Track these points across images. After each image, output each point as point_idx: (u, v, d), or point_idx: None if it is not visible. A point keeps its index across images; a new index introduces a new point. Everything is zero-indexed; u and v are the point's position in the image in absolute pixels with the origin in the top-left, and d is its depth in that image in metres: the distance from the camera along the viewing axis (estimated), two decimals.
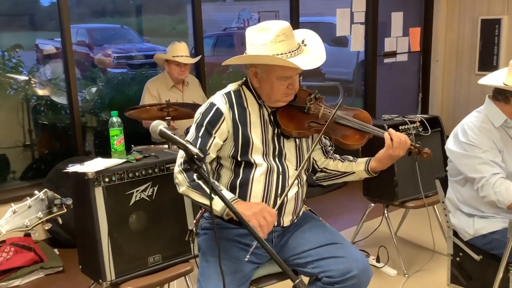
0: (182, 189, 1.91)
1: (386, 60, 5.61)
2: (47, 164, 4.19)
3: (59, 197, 1.48)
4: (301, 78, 3.31)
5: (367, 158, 2.10)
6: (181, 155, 1.91)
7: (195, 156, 1.44)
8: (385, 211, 3.30)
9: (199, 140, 1.91)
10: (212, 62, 6.24)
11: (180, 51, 3.76)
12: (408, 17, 5.64)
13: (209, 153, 1.92)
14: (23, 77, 4.39)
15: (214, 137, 1.92)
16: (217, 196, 1.71)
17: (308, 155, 2.04)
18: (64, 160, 3.80)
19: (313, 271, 1.98)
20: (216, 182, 1.95)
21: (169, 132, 1.54)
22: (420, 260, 3.36)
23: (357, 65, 7.55)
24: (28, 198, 1.45)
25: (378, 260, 3.27)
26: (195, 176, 1.84)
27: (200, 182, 1.85)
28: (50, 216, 1.47)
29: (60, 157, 4.01)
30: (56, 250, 3.53)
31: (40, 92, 4.48)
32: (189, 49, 3.89)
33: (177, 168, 1.91)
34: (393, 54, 5.59)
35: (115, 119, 2.41)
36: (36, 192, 1.47)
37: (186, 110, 3.35)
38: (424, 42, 5.90)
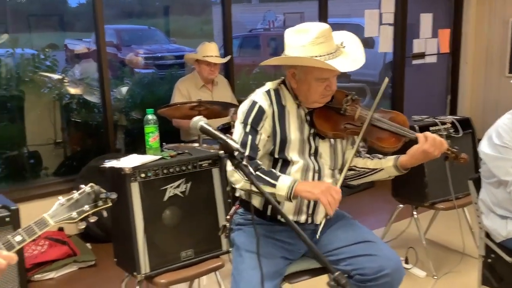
0: (239, 185, 1.91)
1: (415, 62, 5.57)
2: (79, 161, 4.30)
3: (105, 191, 1.52)
4: None
5: (396, 155, 2.08)
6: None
7: (236, 151, 1.47)
8: (415, 213, 3.29)
9: (249, 137, 1.94)
10: (238, 63, 6.30)
11: (210, 51, 3.82)
12: (437, 19, 5.59)
13: (259, 149, 1.95)
14: (56, 76, 4.51)
15: (261, 133, 1.96)
16: (279, 181, 1.75)
17: (348, 163, 2.04)
18: (97, 157, 3.89)
19: (345, 268, 1.99)
20: (273, 169, 1.96)
21: (210, 128, 1.58)
22: (450, 262, 3.34)
23: (383, 67, 7.51)
24: (75, 191, 1.50)
25: (407, 261, 3.26)
26: (251, 169, 1.87)
27: (258, 173, 1.87)
28: (96, 209, 1.51)
29: (91, 154, 4.10)
30: (88, 245, 3.61)
31: (73, 91, 4.60)
32: None
33: (230, 167, 1.91)
34: (422, 55, 5.55)
35: (150, 117, 2.46)
36: (82, 186, 1.52)
37: (217, 108, 3.40)
38: (454, 43, 5.84)
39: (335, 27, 2.06)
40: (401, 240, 3.43)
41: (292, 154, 1.99)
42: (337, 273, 1.31)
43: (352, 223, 2.15)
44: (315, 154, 2.03)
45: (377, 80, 7.89)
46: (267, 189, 1.84)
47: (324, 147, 2.05)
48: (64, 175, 4.25)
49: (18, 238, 1.39)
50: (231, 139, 1.55)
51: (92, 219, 1.51)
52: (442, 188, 3.13)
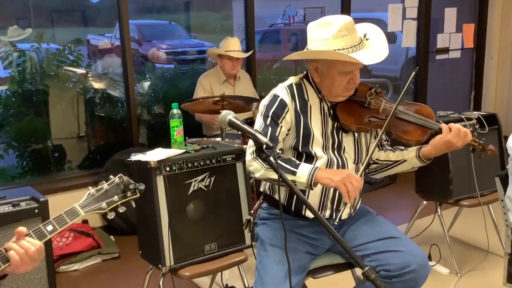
0: (259, 174, 1.90)
1: (438, 57, 5.50)
2: (102, 154, 4.35)
3: (133, 182, 1.54)
4: None
5: (419, 146, 2.06)
6: (251, 144, 1.95)
7: (264, 145, 1.48)
8: (439, 209, 3.26)
9: (269, 129, 1.94)
10: (259, 58, 6.29)
11: (233, 46, 3.83)
12: (461, 13, 5.50)
13: (279, 141, 1.95)
14: (80, 71, 4.56)
15: (281, 126, 1.95)
16: (300, 169, 1.76)
17: (370, 153, 2.02)
18: (121, 151, 3.93)
19: (370, 264, 1.98)
20: (292, 158, 1.96)
21: (238, 122, 1.58)
22: (474, 260, 3.30)
23: (406, 62, 7.43)
24: (104, 182, 1.52)
25: (430, 258, 3.22)
26: (271, 158, 1.87)
27: (278, 161, 1.86)
28: (125, 200, 1.53)
29: (115, 148, 4.15)
30: (112, 237, 3.66)
31: (96, 85, 4.65)
32: None
33: (249, 156, 1.92)
34: (446, 50, 5.47)
35: (175, 111, 2.48)
36: (111, 176, 1.54)
37: (239, 103, 3.41)
38: (478, 38, 5.75)
39: (357, 22, 2.05)
40: (424, 237, 3.40)
41: (316, 149, 1.99)
42: (367, 268, 1.30)
43: (377, 219, 2.14)
44: (339, 148, 2.03)
45: (398, 76, 7.80)
46: (287, 177, 1.82)
47: (347, 141, 2.04)
48: (88, 169, 4.30)
49: (49, 227, 1.42)
50: (260, 132, 1.55)
51: (121, 210, 1.53)
52: (467, 184, 3.11)
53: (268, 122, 1.95)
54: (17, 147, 4.25)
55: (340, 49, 1.87)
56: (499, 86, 5.82)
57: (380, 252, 1.98)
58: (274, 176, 1.85)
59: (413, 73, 2.01)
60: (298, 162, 1.90)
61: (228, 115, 1.65)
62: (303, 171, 1.84)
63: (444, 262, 3.25)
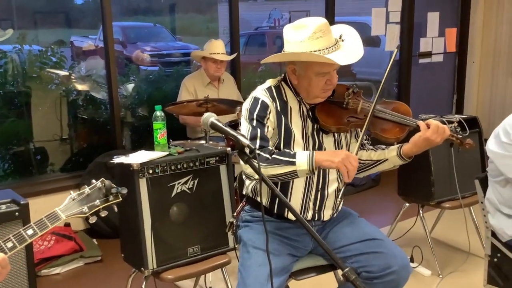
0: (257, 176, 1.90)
1: (421, 61, 5.57)
2: (85, 157, 4.31)
3: (115, 186, 1.54)
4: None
5: (399, 144, 2.07)
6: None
7: (247, 148, 1.48)
8: (421, 211, 3.29)
9: (258, 130, 1.95)
10: (244, 61, 6.30)
11: (217, 48, 3.83)
12: (444, 17, 5.58)
13: (269, 140, 1.96)
14: (63, 72, 4.52)
15: (267, 126, 1.97)
16: (297, 158, 1.79)
17: (358, 143, 2.03)
18: (104, 154, 3.90)
19: (352, 266, 2.00)
20: (286, 150, 1.96)
21: (220, 124, 1.59)
22: (455, 261, 3.34)
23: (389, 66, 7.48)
24: (86, 186, 1.52)
25: (412, 260, 3.26)
26: (267, 155, 1.88)
27: (274, 156, 1.88)
28: (107, 204, 1.53)
29: (98, 151, 4.11)
30: (94, 240, 3.63)
31: (80, 87, 4.61)
32: None
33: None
34: (429, 54, 5.54)
35: (158, 113, 2.47)
36: (93, 180, 1.54)
37: (223, 106, 3.41)
38: (460, 42, 5.84)
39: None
40: (407, 239, 3.43)
41: (297, 149, 2.00)
42: (347, 269, 1.31)
43: (359, 220, 2.16)
44: (319, 149, 2.04)
45: (382, 79, 7.86)
46: (288, 169, 1.85)
47: (328, 142, 2.06)
48: (70, 171, 4.26)
49: (30, 231, 1.41)
50: (242, 135, 1.55)
51: (103, 214, 1.53)
52: (449, 187, 3.15)
53: (254, 124, 1.96)
54: None
55: (316, 51, 1.88)
56: (480, 90, 5.90)
57: (362, 253, 2.00)
58: (275, 171, 1.86)
59: (396, 50, 2.01)
60: (292, 152, 1.91)
61: (210, 117, 1.65)
62: (302, 159, 1.85)
63: (426, 264, 3.28)
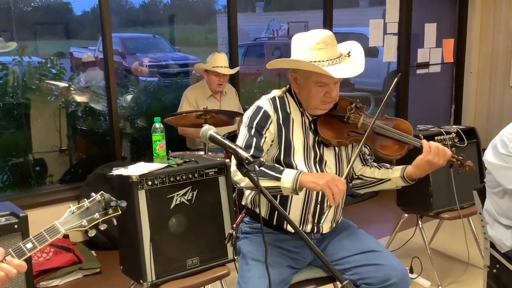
0: (244, 183, 1.91)
1: (419, 71, 5.59)
2: (84, 168, 4.31)
3: (115, 199, 1.54)
4: None
5: (404, 165, 2.10)
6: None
7: (246, 160, 1.49)
8: (420, 222, 3.29)
9: (254, 139, 1.96)
10: (243, 71, 6.34)
11: (220, 61, 3.83)
12: (441, 28, 5.62)
13: (264, 151, 1.98)
14: (63, 84, 4.54)
15: (265, 137, 1.98)
16: (283, 174, 1.79)
17: (349, 166, 2.04)
18: (103, 165, 3.91)
19: (351, 278, 2.00)
20: (277, 165, 1.97)
21: (219, 137, 1.59)
22: (454, 272, 3.34)
23: (387, 76, 7.54)
24: (85, 199, 1.52)
25: (411, 271, 3.26)
26: (255, 166, 1.89)
27: (262, 168, 1.88)
28: (106, 217, 1.53)
29: (97, 162, 4.12)
30: (93, 252, 3.62)
31: (79, 98, 4.62)
32: None
33: (234, 167, 1.92)
34: (426, 65, 5.57)
35: (157, 125, 2.48)
36: (93, 194, 1.54)
37: (223, 117, 3.42)
38: (458, 53, 5.87)
39: (339, 36, 2.08)
40: (406, 250, 3.42)
41: (298, 161, 2.01)
42: (346, 282, 1.32)
43: (358, 232, 2.16)
44: (320, 161, 2.05)
45: (380, 89, 7.91)
46: (272, 183, 1.86)
47: (329, 155, 2.07)
48: (69, 183, 4.26)
49: (29, 245, 1.41)
50: (241, 148, 1.56)
51: (102, 227, 1.53)
52: (447, 197, 3.15)
53: (252, 133, 1.97)
54: None
55: (316, 61, 1.91)
56: (478, 100, 5.93)
57: (361, 265, 2.00)
58: (261, 184, 1.86)
59: (395, 79, 2.05)
60: (282, 168, 1.92)
61: (209, 130, 1.66)
62: (288, 176, 1.85)
63: (425, 275, 3.27)
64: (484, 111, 5.86)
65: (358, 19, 8.81)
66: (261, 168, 1.89)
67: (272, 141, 2.00)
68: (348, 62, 1.98)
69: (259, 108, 2.01)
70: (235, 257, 2.41)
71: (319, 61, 1.91)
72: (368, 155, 2.20)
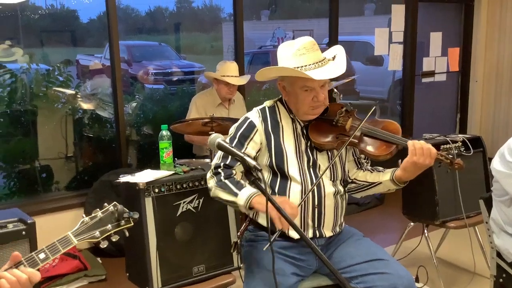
0: (212, 190, 2.02)
1: (424, 80, 5.60)
2: (90, 175, 4.32)
3: (127, 210, 1.53)
4: (341, 96, 3.37)
5: (394, 168, 2.09)
6: (214, 162, 2.03)
7: (253, 168, 1.50)
8: (426, 231, 3.28)
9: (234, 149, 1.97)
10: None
11: (230, 71, 3.82)
12: (447, 37, 5.63)
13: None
14: (70, 91, 4.57)
15: (246, 147, 2.02)
16: (241, 191, 1.86)
17: (329, 163, 2.06)
18: (109, 172, 3.92)
19: (357, 286, 2.00)
20: (241, 180, 2.01)
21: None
22: (461, 281, 3.32)
23: (392, 84, 7.55)
24: (98, 210, 1.51)
25: (417, 280, 3.24)
26: (222, 177, 1.97)
27: (226, 181, 1.97)
28: (118, 228, 1.52)
29: (103, 169, 4.13)
30: (99, 259, 3.62)
31: (85, 106, 4.65)
32: None
33: (208, 174, 2.04)
34: (431, 73, 5.58)
35: (164, 133, 2.50)
36: (105, 204, 1.53)
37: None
38: (463, 62, 5.87)
39: (345, 44, 2.10)
40: (411, 259, 3.41)
41: (291, 169, 2.03)
42: None
43: (364, 240, 2.16)
44: (314, 166, 2.07)
45: (386, 97, 7.92)
46: (230, 197, 1.94)
47: (322, 159, 2.09)
48: (75, 189, 4.27)
49: (42, 255, 1.40)
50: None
51: (114, 238, 1.52)
52: (453, 206, 3.14)
53: (234, 144, 2.02)
54: (4, 167, 4.23)
55: (298, 67, 1.96)
56: (484, 109, 5.92)
57: (367, 274, 1.99)
58: (221, 195, 1.98)
59: (372, 109, 2.07)
60: (245, 185, 1.96)
61: (217, 138, 1.68)
62: (244, 195, 1.91)
63: (431, 284, 3.26)
64: (490, 120, 5.85)
65: (364, 27, 8.83)
66: (226, 180, 1.97)
67: (259, 151, 2.05)
68: (330, 65, 2.02)
69: (246, 119, 2.08)
70: (241, 265, 2.42)
71: (302, 66, 1.96)
72: (364, 158, 2.20)
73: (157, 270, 2.29)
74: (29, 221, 2.20)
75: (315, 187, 2.04)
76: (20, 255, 1.40)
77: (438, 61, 5.59)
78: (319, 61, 1.98)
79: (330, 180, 2.09)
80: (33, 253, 1.40)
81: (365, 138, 2.06)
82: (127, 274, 2.49)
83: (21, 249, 2.12)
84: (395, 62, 5.31)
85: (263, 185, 1.49)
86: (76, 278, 3.36)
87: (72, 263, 3.40)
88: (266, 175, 2.06)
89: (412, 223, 3.39)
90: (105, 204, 1.53)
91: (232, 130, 2.08)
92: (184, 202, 2.41)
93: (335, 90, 3.40)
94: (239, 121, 2.10)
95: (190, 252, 2.41)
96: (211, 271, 2.45)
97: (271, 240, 1.71)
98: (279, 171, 2.04)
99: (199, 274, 2.42)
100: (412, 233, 3.45)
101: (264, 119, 2.06)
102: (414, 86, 5.57)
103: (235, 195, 1.93)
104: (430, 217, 3.20)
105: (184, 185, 2.40)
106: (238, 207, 1.95)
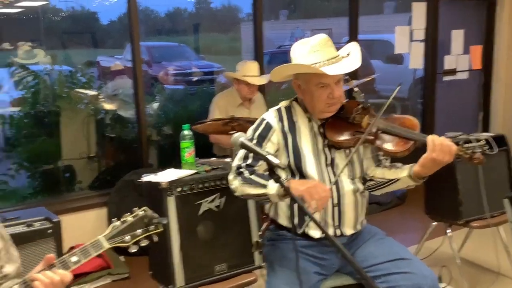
0: (238, 190, 1.97)
1: (445, 78, 5.53)
2: (112, 175, 4.38)
3: (157, 215, 1.54)
4: (363, 94, 3.35)
5: (412, 164, 2.04)
6: (235, 163, 2.02)
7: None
8: (448, 230, 3.24)
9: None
10: None
11: (250, 71, 3.81)
12: (469, 35, 5.55)
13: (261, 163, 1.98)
14: (92, 92, 4.64)
15: (265, 147, 2.01)
16: (270, 182, 1.81)
17: (346, 161, 2.04)
18: (131, 172, 3.96)
19: (380, 286, 1.98)
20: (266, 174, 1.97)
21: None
22: (484, 282, 3.28)
23: (413, 83, 7.47)
24: (129, 214, 1.52)
25: (440, 280, 3.20)
26: (246, 174, 1.94)
27: (251, 176, 1.92)
28: (147, 233, 1.53)
29: (125, 169, 4.17)
30: (121, 257, 3.67)
31: (107, 106, 4.72)
32: None
33: (231, 176, 2.00)
34: (453, 72, 5.51)
35: (186, 132, 2.52)
36: (135, 209, 1.54)
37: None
38: (486, 60, 5.79)
39: (365, 43, 2.09)
40: (434, 259, 3.38)
41: (308, 166, 2.02)
42: None
43: (387, 239, 2.15)
44: (332, 164, 2.06)
45: (406, 96, 7.84)
46: (259, 191, 1.88)
47: (340, 158, 2.07)
48: (98, 189, 4.33)
49: (74, 258, 1.42)
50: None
51: (143, 243, 1.52)
52: (477, 206, 3.10)
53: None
54: (29, 167, 4.31)
55: (313, 64, 1.95)
56: (507, 107, 5.82)
57: (391, 273, 1.98)
58: (250, 190, 1.92)
59: (397, 88, 2.04)
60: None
61: (240, 137, 1.69)
62: (274, 183, 1.84)
63: (455, 284, 3.22)
64: None
65: (383, 26, 8.76)
66: (251, 176, 1.93)
67: (277, 151, 2.04)
68: (344, 61, 2.01)
69: (262, 120, 2.08)
70: (262, 264, 2.43)
71: (316, 63, 1.95)
72: (382, 156, 2.17)
73: (180, 268, 2.30)
74: (54, 220, 2.24)
75: (333, 186, 2.03)
76: (54, 256, 1.42)
77: (460, 59, 5.52)
78: (333, 58, 1.98)
79: (349, 178, 2.08)
80: (65, 256, 1.43)
81: (382, 135, 2.03)
82: (150, 273, 2.52)
83: (46, 247, 2.16)
84: (416, 60, 5.26)
85: (282, 185, 1.48)
86: (99, 276, 3.41)
87: (96, 262, 3.44)
88: (285, 175, 2.06)
89: (434, 223, 3.35)
90: (135, 208, 1.53)
91: (249, 132, 2.08)
92: (206, 201, 2.42)
93: (356, 89, 3.38)
94: (256, 123, 2.10)
95: (212, 251, 2.42)
96: (233, 269, 2.46)
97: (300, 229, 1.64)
98: (297, 171, 2.04)
99: (221, 272, 2.43)
100: (435, 233, 3.41)
101: (281, 119, 2.06)
102: (435, 84, 5.51)
103: (264, 186, 1.87)
104: (453, 217, 3.16)
105: (206, 184, 2.41)
106: (270, 198, 1.88)
